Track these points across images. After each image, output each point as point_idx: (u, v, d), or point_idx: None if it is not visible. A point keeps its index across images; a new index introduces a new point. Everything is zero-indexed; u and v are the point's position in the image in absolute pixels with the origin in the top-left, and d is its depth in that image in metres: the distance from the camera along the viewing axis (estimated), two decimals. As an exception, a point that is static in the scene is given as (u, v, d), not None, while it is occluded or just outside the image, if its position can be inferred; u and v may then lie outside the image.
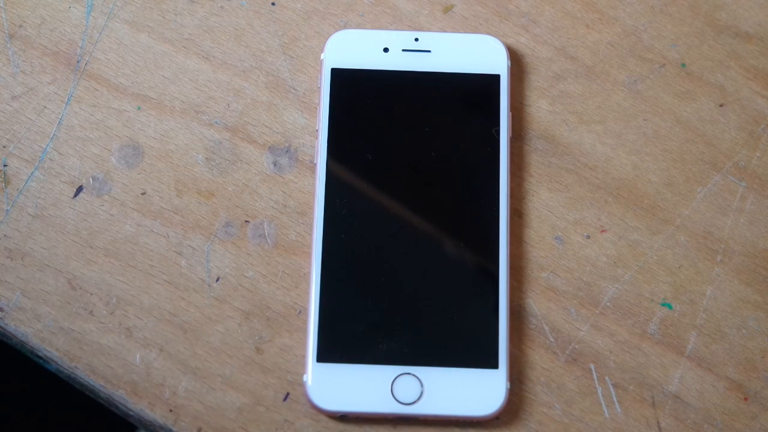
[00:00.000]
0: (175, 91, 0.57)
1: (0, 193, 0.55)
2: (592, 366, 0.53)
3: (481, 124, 0.55)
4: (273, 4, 0.58)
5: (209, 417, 0.52)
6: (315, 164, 0.55)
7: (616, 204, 0.56)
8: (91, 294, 0.53)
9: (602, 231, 0.55)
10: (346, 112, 0.55)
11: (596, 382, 0.53)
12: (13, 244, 0.54)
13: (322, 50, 0.57)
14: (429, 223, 0.54)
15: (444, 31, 0.58)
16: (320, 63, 0.56)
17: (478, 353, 0.52)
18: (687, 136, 0.57)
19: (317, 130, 0.55)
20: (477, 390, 0.51)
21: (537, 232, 0.55)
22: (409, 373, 0.52)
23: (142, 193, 0.55)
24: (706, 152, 0.57)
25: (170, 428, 0.52)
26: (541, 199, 0.56)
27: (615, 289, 0.55)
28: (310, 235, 0.54)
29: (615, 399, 0.53)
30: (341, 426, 0.52)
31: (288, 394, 0.52)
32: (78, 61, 0.57)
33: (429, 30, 0.58)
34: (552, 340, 0.54)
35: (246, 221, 0.55)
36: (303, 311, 0.53)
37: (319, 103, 0.56)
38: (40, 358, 0.53)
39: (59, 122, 0.56)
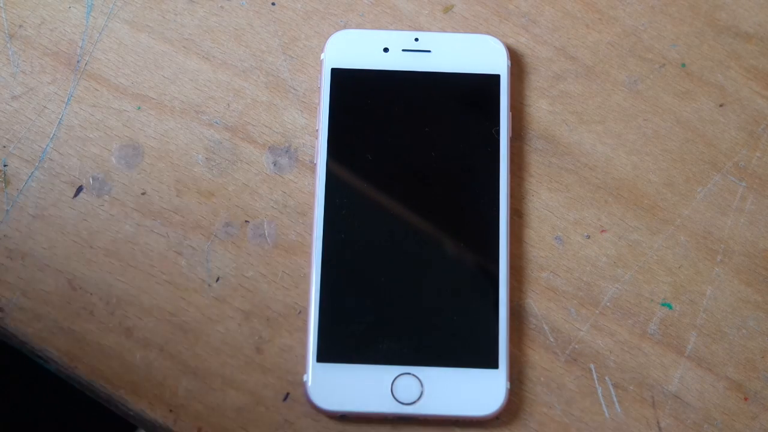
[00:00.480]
0: (175, 91, 0.57)
1: (0, 193, 0.55)
2: (592, 366, 0.53)
3: (481, 124, 0.55)
4: (273, 4, 0.58)
5: (209, 417, 0.52)
6: (315, 164, 0.55)
7: (616, 204, 0.56)
8: (91, 294, 0.53)
9: (602, 231, 0.55)
10: (346, 112, 0.55)
11: (596, 382, 0.53)
12: (13, 244, 0.54)
13: (322, 50, 0.57)
14: (429, 223, 0.54)
15: (444, 31, 0.58)
16: (320, 63, 0.56)
17: (478, 353, 0.52)
18: (687, 136, 0.57)
19: (317, 130, 0.55)
20: (477, 390, 0.51)
21: (537, 232, 0.55)
22: (409, 373, 0.52)
23: (142, 193, 0.55)
24: (706, 152, 0.57)
25: (170, 428, 0.52)
26: (541, 199, 0.56)
27: (615, 289, 0.55)
28: (310, 235, 0.54)
29: (615, 399, 0.53)
30: (341, 426, 0.52)
31: (288, 394, 0.52)
32: (78, 61, 0.57)
33: (429, 30, 0.58)
34: (552, 340, 0.54)
35: (246, 221, 0.55)
36: (303, 311, 0.53)
37: (319, 103, 0.56)
38: (40, 358, 0.53)
39: (59, 122, 0.56)
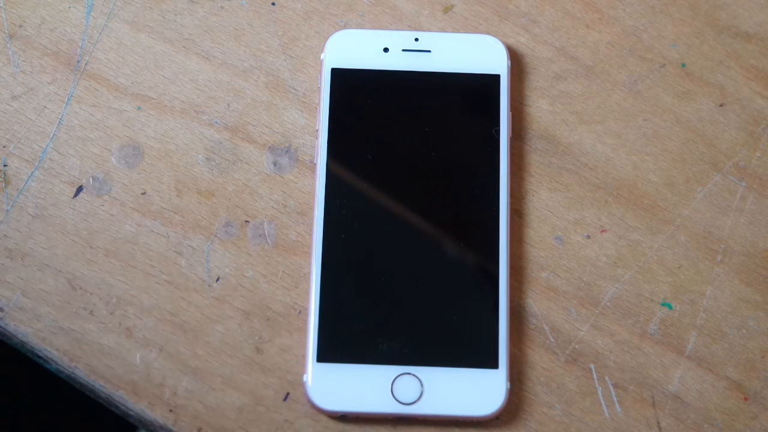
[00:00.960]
0: (175, 91, 0.57)
1: (0, 193, 0.55)
2: (592, 366, 0.53)
3: (481, 124, 0.55)
4: (273, 4, 0.58)
5: (209, 417, 0.52)
6: (315, 164, 0.55)
7: (616, 204, 0.56)
8: (91, 294, 0.53)
9: (602, 231, 0.55)
10: (346, 112, 0.55)
11: (596, 382, 0.53)
12: (13, 244, 0.54)
13: (322, 50, 0.57)
14: (429, 223, 0.54)
15: (444, 31, 0.58)
16: (320, 63, 0.56)
17: (478, 353, 0.52)
18: (687, 136, 0.57)
19: (317, 130, 0.55)
20: (477, 390, 0.51)
21: (537, 232, 0.55)
22: (409, 373, 0.52)
23: (142, 193, 0.55)
24: (706, 152, 0.57)
25: (170, 428, 0.52)
26: (541, 199, 0.56)
27: (615, 289, 0.55)
28: (310, 235, 0.54)
29: (615, 399, 0.53)
30: (341, 426, 0.52)
31: (288, 394, 0.52)
32: (78, 61, 0.57)
33: (429, 30, 0.58)
34: (552, 340, 0.54)
35: (246, 221, 0.55)
36: (303, 311, 0.53)
37: (319, 103, 0.56)
38: (40, 358, 0.53)
39: (59, 122, 0.56)
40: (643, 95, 0.58)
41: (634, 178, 0.56)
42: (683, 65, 0.58)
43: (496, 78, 0.56)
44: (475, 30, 0.58)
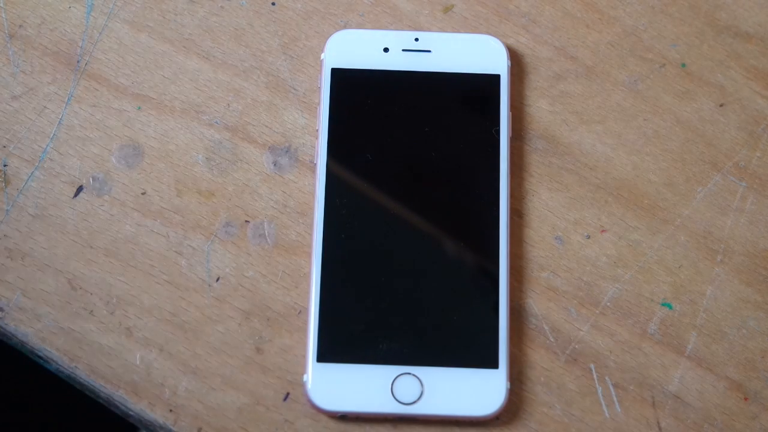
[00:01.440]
0: (175, 91, 0.57)
1: (0, 193, 0.55)
2: (592, 366, 0.53)
3: (481, 124, 0.55)
4: (273, 4, 0.58)
5: (209, 417, 0.52)
6: (315, 164, 0.55)
7: (616, 204, 0.56)
8: (91, 294, 0.53)
9: (602, 231, 0.55)
10: (346, 112, 0.55)
11: (596, 382, 0.53)
12: (13, 244, 0.54)
13: (322, 50, 0.57)
14: (429, 223, 0.54)
15: (444, 31, 0.58)
16: (320, 63, 0.56)
17: (478, 353, 0.52)
18: (687, 136, 0.57)
19: (317, 130, 0.55)
20: (477, 390, 0.51)
21: (537, 232, 0.55)
22: (409, 373, 0.52)
23: (142, 193, 0.55)
24: (706, 152, 0.57)
25: (170, 428, 0.52)
26: (541, 199, 0.56)
27: (615, 289, 0.55)
28: (310, 235, 0.54)
29: (615, 399, 0.53)
30: (341, 426, 0.52)
31: (288, 394, 0.52)
32: (78, 61, 0.57)
33: (429, 30, 0.58)
34: (552, 340, 0.54)
35: (246, 221, 0.55)
36: (303, 311, 0.53)
37: (319, 103, 0.56)
38: (40, 358, 0.53)
39: (59, 122, 0.56)
40: (643, 95, 0.58)
41: (634, 178, 0.56)
42: (683, 65, 0.58)
43: (496, 78, 0.56)
44: (475, 30, 0.58)
